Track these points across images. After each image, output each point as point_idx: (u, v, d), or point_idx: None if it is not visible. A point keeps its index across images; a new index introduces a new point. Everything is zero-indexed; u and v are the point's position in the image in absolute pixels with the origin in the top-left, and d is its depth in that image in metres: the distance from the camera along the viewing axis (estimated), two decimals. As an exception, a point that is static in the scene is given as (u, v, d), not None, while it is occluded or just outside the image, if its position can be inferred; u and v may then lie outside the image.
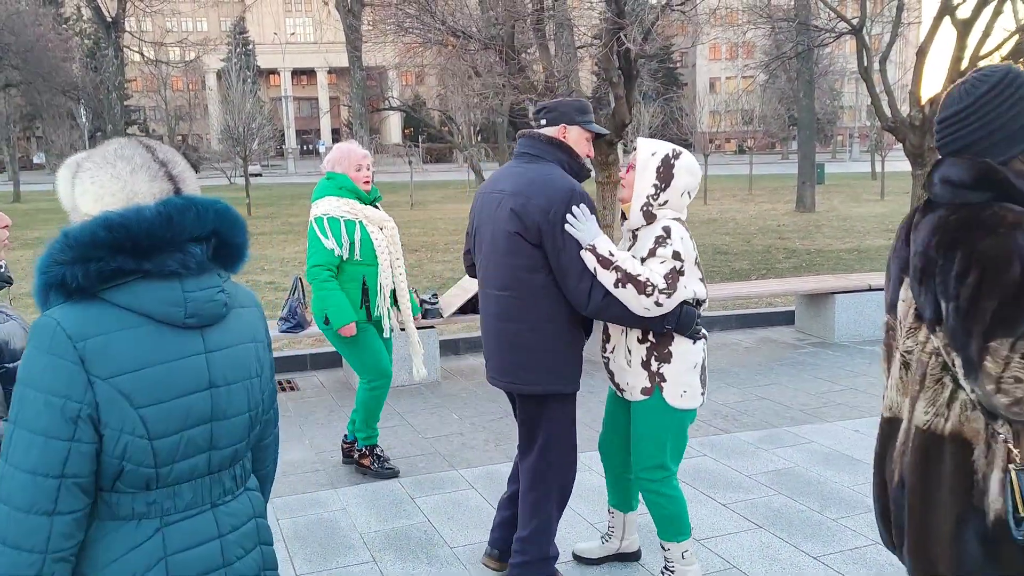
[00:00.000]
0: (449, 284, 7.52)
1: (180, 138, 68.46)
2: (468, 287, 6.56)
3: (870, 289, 7.50)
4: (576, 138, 3.11)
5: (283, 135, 64.92)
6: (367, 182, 4.54)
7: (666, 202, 3.00)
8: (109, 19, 18.07)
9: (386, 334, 4.61)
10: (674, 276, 2.88)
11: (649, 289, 2.83)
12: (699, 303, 3.03)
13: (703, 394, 3.12)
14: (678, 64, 61.58)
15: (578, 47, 12.89)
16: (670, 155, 3.00)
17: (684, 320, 2.96)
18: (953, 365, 1.84)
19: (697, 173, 3.04)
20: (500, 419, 5.55)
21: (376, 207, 4.57)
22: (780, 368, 6.68)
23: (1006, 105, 1.88)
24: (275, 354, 5.72)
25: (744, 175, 37.15)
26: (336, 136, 74.04)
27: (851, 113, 62.59)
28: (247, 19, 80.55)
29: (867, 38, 14.93)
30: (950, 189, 1.90)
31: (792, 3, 18.81)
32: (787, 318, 8.23)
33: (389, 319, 4.60)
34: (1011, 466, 1.82)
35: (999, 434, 1.83)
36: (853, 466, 4.56)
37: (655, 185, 2.98)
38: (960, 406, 1.88)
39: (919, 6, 24.10)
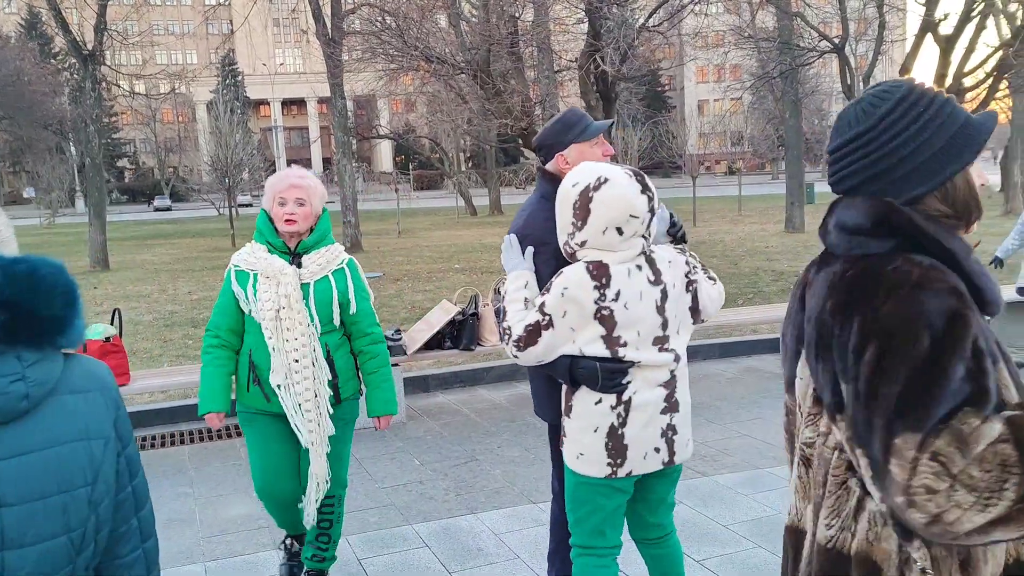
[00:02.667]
0: (426, 315, 7.21)
1: (171, 170, 68.31)
2: (434, 321, 6.23)
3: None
4: (580, 156, 2.82)
5: (274, 165, 64.88)
6: (290, 220, 3.27)
7: (584, 241, 2.50)
8: (86, 52, 17.81)
9: (303, 442, 3.34)
10: (533, 329, 2.51)
11: (506, 336, 2.60)
12: (617, 360, 2.51)
13: (612, 466, 2.55)
14: (666, 87, 61.80)
15: (556, 71, 12.69)
16: (591, 186, 2.48)
17: (579, 375, 2.53)
18: (858, 464, 1.41)
19: (621, 206, 2.45)
20: (464, 464, 5.20)
21: (298, 259, 3.34)
22: (765, 401, 6.34)
23: (913, 129, 1.46)
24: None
25: (733, 196, 37.05)
26: (327, 165, 74.04)
27: (840, 132, 62.72)
28: (237, 51, 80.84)
29: (852, 57, 14.76)
30: (846, 237, 1.50)
31: (775, 24, 18.70)
32: (772, 346, 7.89)
33: (300, 418, 3.30)
34: None
35: (915, 561, 1.39)
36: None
37: (572, 222, 2.52)
38: (868, 519, 1.44)
39: (902, 24, 24.04)
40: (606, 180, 2.47)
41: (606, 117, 10.78)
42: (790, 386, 1.64)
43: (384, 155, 78.30)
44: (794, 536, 1.62)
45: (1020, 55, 12.56)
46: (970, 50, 12.60)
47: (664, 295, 2.55)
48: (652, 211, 2.50)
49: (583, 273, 2.48)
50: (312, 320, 3.30)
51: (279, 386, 3.28)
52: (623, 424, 2.55)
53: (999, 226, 20.29)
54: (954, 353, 1.29)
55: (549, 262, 2.71)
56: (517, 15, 11.12)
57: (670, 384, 2.60)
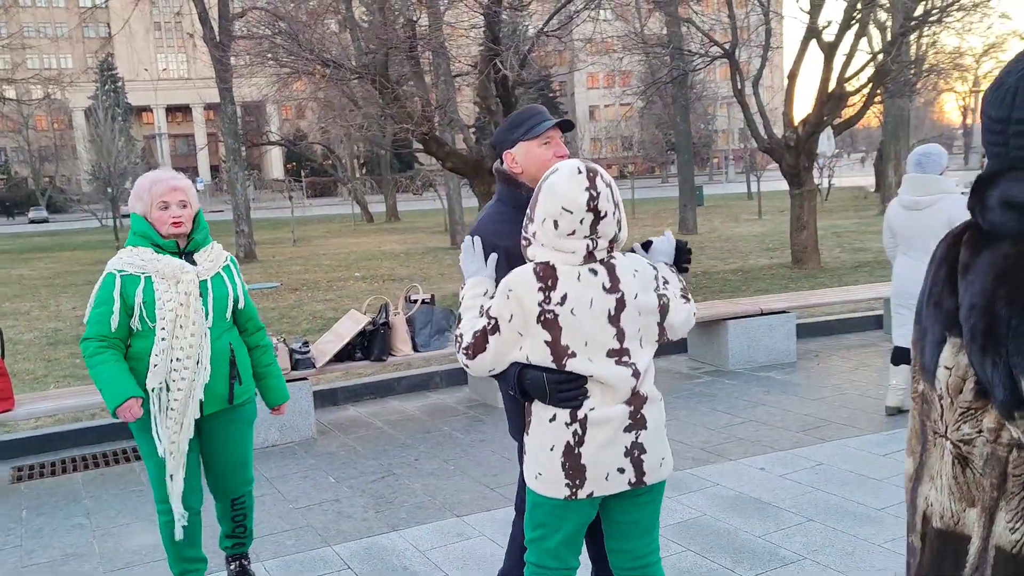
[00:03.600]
0: (331, 325, 6.99)
1: (47, 180, 64.99)
2: (343, 332, 6.04)
3: (762, 314, 7.34)
4: (526, 155, 2.71)
5: (157, 174, 62.36)
6: (177, 222, 3.26)
7: (535, 233, 2.38)
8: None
9: (159, 451, 3.27)
10: (481, 335, 2.40)
11: (457, 344, 2.48)
12: (564, 371, 2.36)
13: (571, 487, 2.39)
14: (557, 93, 62.52)
15: (454, 75, 12.59)
16: (548, 173, 2.40)
17: (526, 387, 2.40)
18: None
19: (556, 196, 2.32)
20: (382, 479, 5.04)
21: (191, 257, 3.35)
22: (677, 401, 6.40)
23: None
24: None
25: (627, 199, 37.74)
26: (215, 173, 71.84)
27: (725, 136, 64.82)
28: (116, 55, 77.57)
29: (738, 62, 15.20)
30: (1017, 216, 1.33)
31: (664, 30, 19.09)
32: (680, 346, 8.00)
33: (164, 424, 3.25)
34: None
35: None
36: (762, 511, 4.25)
37: (528, 214, 2.44)
38: None
39: (780, 31, 24.99)
40: (556, 170, 2.38)
41: (507, 122, 10.74)
42: (928, 373, 1.50)
43: (275, 162, 76.56)
44: (945, 541, 1.48)
45: (896, 62, 13.19)
46: (850, 56, 13.12)
47: (620, 304, 2.38)
48: (594, 211, 2.31)
49: (529, 273, 2.36)
50: (207, 317, 3.30)
51: (152, 389, 3.24)
52: (580, 443, 2.38)
53: (877, 224, 21.31)
54: None
55: (501, 266, 2.59)
56: (415, 19, 10.97)
57: (634, 400, 2.41)
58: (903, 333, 5.57)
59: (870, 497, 4.34)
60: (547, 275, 2.34)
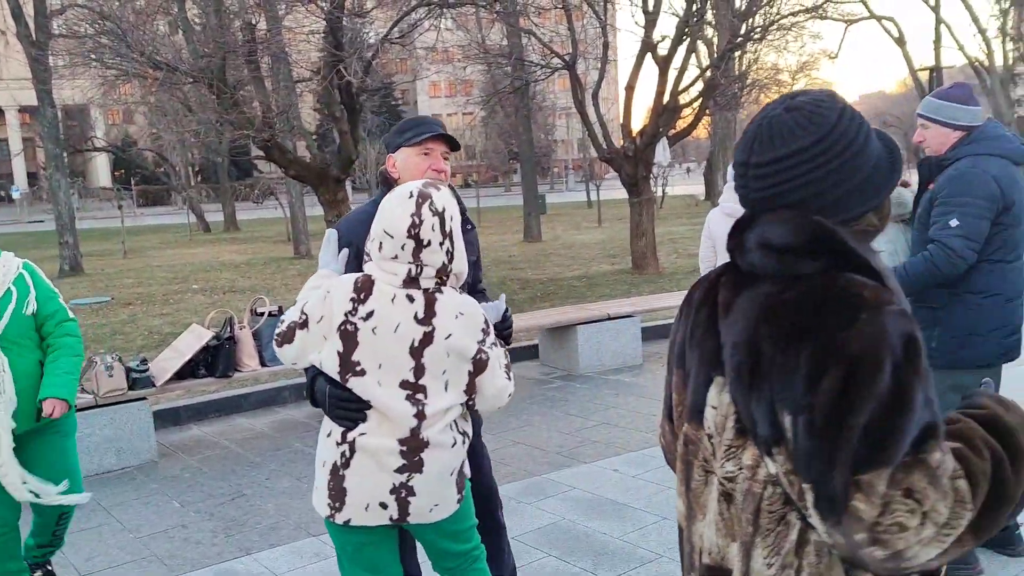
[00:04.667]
0: (169, 340, 6.64)
1: None
2: (184, 349, 5.75)
3: (608, 318, 7.55)
4: (404, 161, 2.74)
5: (-35, 181, 57.54)
6: None
7: (368, 250, 2.39)
8: None
9: None
10: (291, 327, 2.38)
11: (277, 336, 2.43)
12: (345, 388, 2.32)
13: (331, 508, 2.35)
14: (400, 101, 62.24)
15: (296, 81, 12.29)
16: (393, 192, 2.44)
17: (315, 394, 2.40)
18: (800, 498, 1.31)
19: (382, 218, 2.32)
20: (231, 501, 4.82)
21: None
22: (532, 407, 6.48)
23: (861, 139, 1.38)
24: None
25: (472, 207, 38.02)
26: (33, 180, 66.92)
27: (564, 146, 66.49)
28: (-89, 52, 71.13)
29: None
30: (774, 256, 1.36)
31: (505, 41, 19.37)
32: (531, 352, 8.11)
33: None
34: None
35: None
36: (619, 512, 4.35)
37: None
38: (815, 552, 1.35)
39: (617, 44, 25.90)
40: (396, 188, 2.40)
41: (352, 129, 10.57)
42: (694, 414, 1.50)
43: (102, 169, 72.11)
44: (717, 575, 1.50)
45: (723, 76, 13.94)
46: (683, 70, 13.75)
47: (427, 339, 2.29)
48: (415, 239, 2.26)
49: (349, 282, 2.34)
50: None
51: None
52: (345, 465, 2.31)
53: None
54: (914, 380, 1.24)
55: (351, 263, 2.57)
56: (254, 22, 10.62)
57: (411, 442, 2.30)
58: None
59: (718, 492, 4.53)
60: (364, 288, 2.31)
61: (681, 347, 1.55)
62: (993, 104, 35.68)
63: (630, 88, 13.63)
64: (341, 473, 2.31)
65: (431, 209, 2.29)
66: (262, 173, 43.30)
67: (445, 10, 12.11)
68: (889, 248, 3.72)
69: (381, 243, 2.32)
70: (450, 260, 2.33)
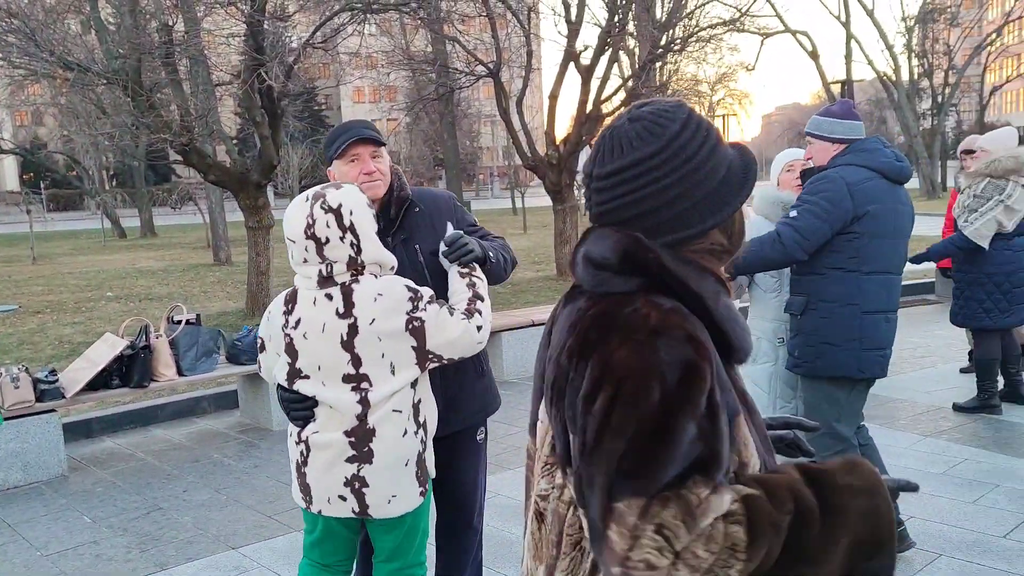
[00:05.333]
0: (81, 350, 6.42)
1: None
2: (96, 359, 5.56)
3: (533, 324, 7.60)
4: (339, 174, 2.72)
5: None
6: None
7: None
8: None
9: None
10: (259, 353, 2.59)
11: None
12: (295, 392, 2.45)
13: (305, 502, 2.52)
14: (324, 106, 61.53)
15: (215, 85, 12.04)
16: None
17: (280, 404, 2.56)
18: (583, 524, 1.26)
19: (286, 226, 2.42)
20: (147, 515, 4.68)
21: None
22: (455, 414, 6.46)
23: (704, 153, 1.31)
24: None
25: (397, 214, 37.83)
26: (-68, 184, 63.89)
27: (490, 153, 66.66)
28: None
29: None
30: (591, 271, 1.33)
31: (430, 48, 19.34)
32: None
33: None
34: None
35: None
36: (541, 517, 4.38)
37: None
38: None
39: (541, 53, 26.13)
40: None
41: (274, 134, 10.40)
42: (532, 428, 1.46)
43: (8, 172, 69.39)
44: None
45: (644, 86, 14.17)
46: (605, 80, 13.94)
47: (353, 330, 2.35)
48: (313, 238, 2.34)
49: (281, 298, 2.50)
50: None
51: None
52: (305, 463, 2.48)
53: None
54: (685, 410, 1.17)
55: None
56: (171, 23, 10.37)
57: (358, 432, 2.40)
58: None
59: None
60: (291, 300, 2.45)
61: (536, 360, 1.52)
62: (900, 117, 37.16)
63: (553, 97, 13.76)
64: (303, 470, 2.48)
65: (323, 207, 2.36)
66: (181, 178, 42.24)
67: (368, 16, 12.03)
68: None
69: (292, 251, 2.42)
70: (357, 252, 2.37)
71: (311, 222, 2.36)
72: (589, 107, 13.58)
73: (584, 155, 13.86)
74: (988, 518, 4.08)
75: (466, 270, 2.61)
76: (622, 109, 14.14)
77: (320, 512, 2.50)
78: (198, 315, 6.10)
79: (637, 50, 16.19)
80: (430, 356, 2.43)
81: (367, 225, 2.41)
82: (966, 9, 44.87)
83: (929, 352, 7.71)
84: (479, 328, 2.48)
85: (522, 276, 15.25)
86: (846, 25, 35.79)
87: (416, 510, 2.52)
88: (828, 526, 1.22)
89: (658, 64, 19.65)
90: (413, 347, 2.39)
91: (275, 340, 2.47)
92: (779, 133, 62.82)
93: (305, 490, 2.50)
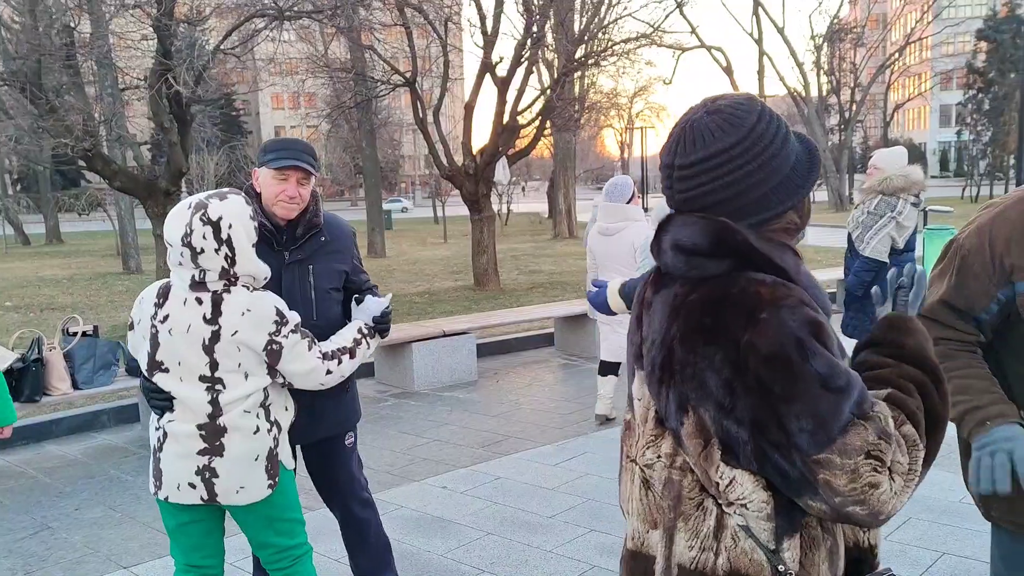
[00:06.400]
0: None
1: None
2: (-15, 373, 5.34)
3: (444, 335, 7.59)
4: (263, 180, 2.90)
5: None
6: None
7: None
8: None
9: None
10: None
11: None
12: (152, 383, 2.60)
13: (155, 487, 2.62)
14: (241, 112, 60.37)
15: (123, 89, 11.72)
16: None
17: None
18: (709, 487, 1.42)
19: (166, 228, 2.53)
20: (34, 535, 4.51)
21: None
22: (364, 426, 6.33)
23: (779, 141, 1.44)
24: None
25: (316, 223, 37.35)
26: None
27: (412, 161, 66.36)
28: None
29: (420, 91, 15.65)
30: (683, 258, 1.44)
31: (348, 55, 19.18)
32: (368, 370, 8.02)
33: None
34: None
35: (784, 569, 1.41)
36: (444, 529, 4.38)
37: None
38: (731, 536, 1.42)
39: (461, 63, 26.22)
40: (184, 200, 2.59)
41: (182, 140, 10.17)
42: (629, 404, 1.61)
43: (-99, 176, 66.06)
44: (636, 559, 1.56)
45: (560, 99, 14.33)
46: (521, 92, 14.04)
47: (215, 337, 2.49)
48: (189, 247, 2.45)
49: (156, 287, 2.60)
50: None
51: None
52: (160, 448, 2.60)
53: (551, 248, 22.96)
54: (829, 357, 1.32)
55: None
56: (72, 25, 10.05)
57: (210, 427, 2.54)
58: (607, 347, 6.05)
59: (543, 507, 4.64)
60: (164, 294, 2.56)
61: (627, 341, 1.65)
62: (810, 132, 38.39)
63: (469, 107, 13.80)
64: (158, 455, 2.60)
65: (202, 219, 2.46)
66: (91, 183, 40.83)
67: (285, 23, 11.87)
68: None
69: (169, 253, 2.54)
70: (231, 264, 2.49)
71: (189, 231, 2.46)
72: (506, 118, 13.66)
73: (500, 165, 13.95)
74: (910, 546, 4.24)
75: (367, 332, 2.85)
76: (538, 120, 14.29)
77: (167, 499, 2.59)
78: (95, 327, 5.91)
79: (556, 62, 16.38)
80: (279, 376, 2.60)
81: (244, 239, 2.51)
82: (871, 29, 46.69)
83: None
84: (328, 372, 2.68)
85: (440, 286, 15.23)
86: (758, 42, 36.86)
87: (270, 500, 2.65)
88: (938, 384, 1.44)
89: (577, 76, 19.90)
90: (266, 363, 2.56)
91: (143, 325, 2.58)
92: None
93: (157, 475, 2.61)
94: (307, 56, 19.68)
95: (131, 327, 2.66)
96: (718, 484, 1.41)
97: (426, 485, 5.04)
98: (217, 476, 2.55)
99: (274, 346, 2.53)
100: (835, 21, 40.11)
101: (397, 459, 5.61)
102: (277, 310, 2.55)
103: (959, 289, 2.09)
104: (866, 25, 45.09)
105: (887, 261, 5.48)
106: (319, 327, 2.83)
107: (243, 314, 2.49)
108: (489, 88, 13.68)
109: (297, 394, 2.78)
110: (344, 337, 2.77)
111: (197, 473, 2.55)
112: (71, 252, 26.89)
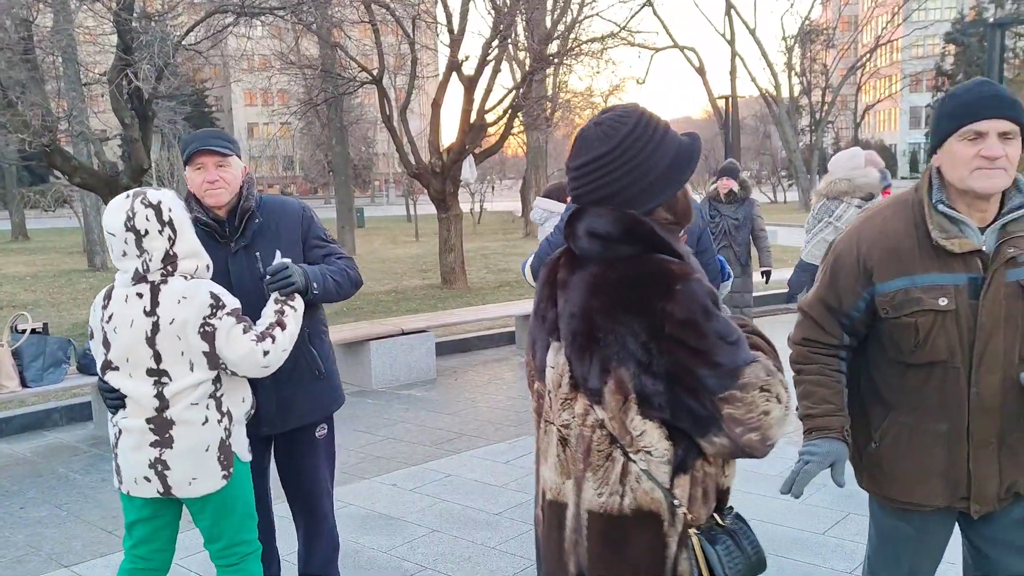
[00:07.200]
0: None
1: None
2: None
3: (403, 333, 7.60)
4: (189, 178, 2.91)
5: None
6: None
7: None
8: None
9: None
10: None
11: None
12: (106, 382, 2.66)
13: (118, 481, 2.69)
14: (214, 108, 59.90)
15: (84, 84, 11.59)
16: None
17: None
18: (622, 438, 1.68)
19: (105, 220, 2.57)
20: (-24, 534, 4.47)
21: None
22: (318, 424, 6.39)
23: (648, 151, 1.70)
24: None
25: (288, 220, 37.12)
26: None
27: (385, 159, 66.12)
28: None
29: (393, 90, 15.61)
30: (599, 243, 1.71)
31: (319, 52, 19.08)
32: (326, 368, 8.01)
33: None
34: (691, 531, 1.70)
35: (677, 503, 1.69)
36: (390, 527, 4.39)
37: None
38: (635, 479, 1.69)
39: (434, 62, 26.15)
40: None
41: (144, 136, 10.08)
42: (541, 373, 1.84)
43: None
44: (552, 509, 1.82)
45: (527, 97, 14.35)
46: (489, 90, 14.04)
47: (156, 328, 2.54)
48: (133, 230, 2.50)
49: (102, 293, 2.65)
50: None
51: None
52: (117, 444, 2.66)
53: (522, 247, 22.97)
54: (726, 319, 1.65)
55: None
56: (31, 19, 9.92)
57: (158, 420, 2.58)
58: None
59: (490, 504, 4.66)
60: (108, 295, 2.63)
61: (532, 320, 1.90)
62: (780, 133, 38.71)
63: (436, 105, 13.78)
64: (115, 451, 2.67)
65: (143, 202, 2.54)
66: (58, 179, 40.28)
67: (253, 19, 11.78)
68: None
69: (111, 246, 2.57)
70: (172, 245, 2.55)
71: (131, 215, 2.52)
72: (473, 116, 13.65)
73: (468, 164, 13.94)
74: (811, 516, 4.31)
75: (282, 297, 2.79)
76: (505, 118, 14.31)
77: (128, 492, 2.66)
78: (45, 324, 5.86)
79: (528, 60, 16.39)
80: (221, 363, 2.60)
81: (185, 222, 2.61)
82: (842, 31, 47.10)
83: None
84: (266, 353, 2.64)
85: (408, 284, 15.21)
86: (731, 43, 37.09)
87: (224, 492, 2.67)
88: (775, 357, 1.78)
89: (549, 74, 19.90)
90: (205, 352, 2.58)
91: (98, 330, 2.65)
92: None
93: (118, 470, 2.67)
94: (276, 52, 19.56)
95: (91, 336, 2.71)
96: (631, 434, 1.67)
97: (376, 483, 5.05)
98: (169, 468, 2.59)
99: (207, 328, 2.55)
100: (806, 23, 40.45)
101: (349, 457, 5.60)
102: (212, 294, 2.58)
103: (832, 288, 2.25)
104: (837, 27, 45.46)
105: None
106: None
107: (179, 302, 2.54)
108: (458, 86, 13.67)
109: (266, 383, 2.80)
110: (266, 314, 2.76)
111: (150, 466, 2.60)
112: (37, 249, 26.55)
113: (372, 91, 18.33)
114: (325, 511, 3.29)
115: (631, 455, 1.68)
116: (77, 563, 4.08)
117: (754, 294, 7.74)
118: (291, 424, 3.04)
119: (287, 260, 2.83)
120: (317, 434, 3.15)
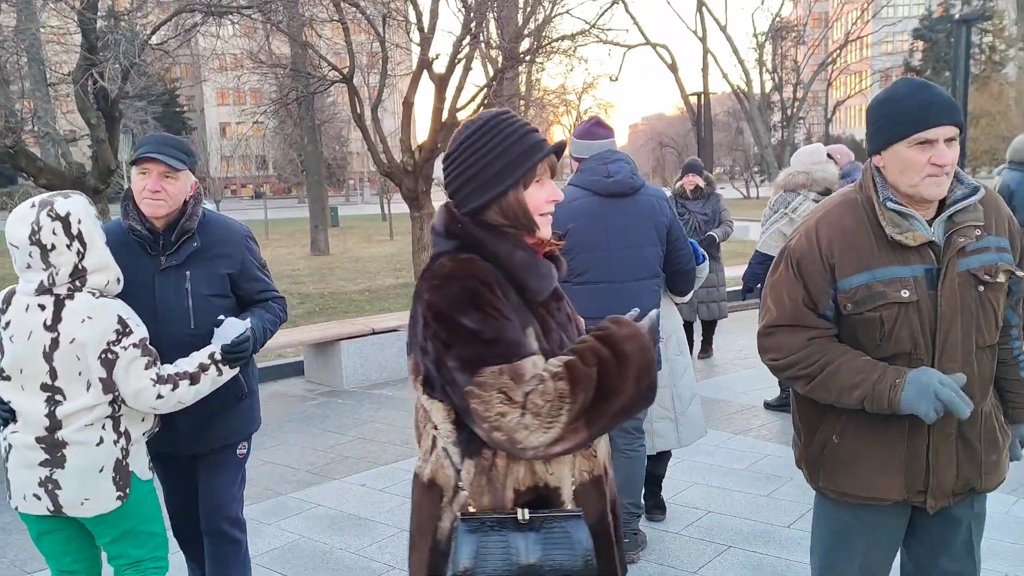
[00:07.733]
0: None
1: None
2: None
3: (373, 333, 7.57)
4: (132, 178, 2.78)
5: None
6: None
7: None
8: None
9: None
10: None
11: None
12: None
13: (9, 495, 2.58)
14: (186, 108, 59.37)
15: (49, 84, 11.45)
16: None
17: None
18: (428, 418, 1.83)
19: (8, 231, 2.44)
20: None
21: None
22: (289, 425, 6.38)
23: (480, 152, 1.82)
24: None
25: (260, 220, 36.86)
26: None
27: (360, 158, 65.87)
28: None
29: (366, 88, 15.53)
30: (433, 237, 1.88)
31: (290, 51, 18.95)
32: (297, 368, 7.98)
33: None
34: (459, 514, 1.78)
35: (461, 484, 1.80)
36: (359, 527, 4.38)
37: None
38: (437, 453, 1.84)
39: (407, 59, 26.08)
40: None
41: (111, 137, 9.98)
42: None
43: None
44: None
45: (499, 95, 14.35)
46: (460, 88, 14.01)
47: (55, 344, 2.43)
48: (38, 244, 2.41)
49: (0, 296, 2.53)
50: None
51: None
52: (6, 459, 2.56)
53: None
54: (488, 317, 1.71)
55: None
56: (-7, 18, 9.79)
57: (49, 440, 2.47)
58: None
59: (460, 501, 4.66)
60: (8, 299, 2.50)
61: None
62: (752, 129, 39.01)
63: (408, 103, 13.75)
64: (5, 465, 2.56)
65: (50, 215, 2.43)
66: (27, 181, 39.72)
67: (222, 18, 11.68)
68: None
69: (15, 257, 2.47)
70: (81, 258, 2.44)
71: (36, 228, 2.42)
72: (445, 115, 13.62)
73: (439, 162, 13.91)
74: (777, 510, 4.35)
75: (219, 359, 2.66)
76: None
77: (17, 508, 2.57)
78: None
79: (500, 59, 16.38)
80: (116, 392, 2.50)
81: (95, 234, 2.50)
82: (813, 28, 47.52)
83: (752, 354, 8.10)
84: (159, 396, 2.53)
85: (381, 283, 15.17)
86: (703, 40, 37.31)
87: (120, 511, 2.57)
88: (620, 367, 1.76)
89: (523, 71, 19.92)
90: (102, 378, 2.47)
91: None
92: (642, 142, 64.72)
93: (8, 483, 2.57)
94: (246, 51, 19.40)
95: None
96: (427, 411, 1.83)
97: (345, 483, 5.03)
98: (60, 488, 2.49)
99: (109, 355, 2.45)
100: (777, 19, 40.77)
101: (319, 457, 5.58)
102: (120, 319, 2.48)
103: (808, 291, 2.23)
104: (808, 23, 45.87)
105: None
106: (197, 337, 2.72)
107: (83, 321, 2.43)
108: (430, 84, 13.62)
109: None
110: (190, 361, 2.62)
111: (40, 484, 2.49)
112: (4, 251, 26.21)
113: (345, 90, 18.28)
114: (238, 537, 3.09)
115: (433, 431, 1.83)
116: None
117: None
118: (215, 443, 2.94)
119: (249, 328, 2.74)
120: (239, 453, 3.04)
